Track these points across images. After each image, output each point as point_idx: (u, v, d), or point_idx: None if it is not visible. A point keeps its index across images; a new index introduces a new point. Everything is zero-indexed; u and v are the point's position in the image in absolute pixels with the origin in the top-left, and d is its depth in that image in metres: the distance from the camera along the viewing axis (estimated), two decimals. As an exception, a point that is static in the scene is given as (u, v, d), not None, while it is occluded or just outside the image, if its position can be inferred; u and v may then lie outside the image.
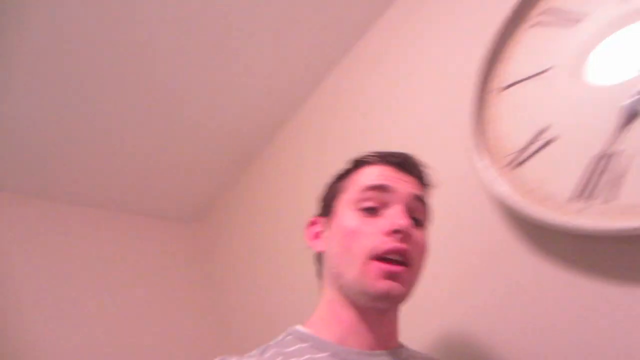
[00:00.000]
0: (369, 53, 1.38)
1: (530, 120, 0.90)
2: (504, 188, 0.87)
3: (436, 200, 0.82)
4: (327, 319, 0.66)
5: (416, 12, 1.25)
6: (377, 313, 0.64)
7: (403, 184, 0.68)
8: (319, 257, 0.72)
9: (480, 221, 0.95)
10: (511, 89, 0.95)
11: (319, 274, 0.72)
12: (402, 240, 0.61)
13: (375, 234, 0.62)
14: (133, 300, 1.59)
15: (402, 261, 0.62)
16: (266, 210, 1.67)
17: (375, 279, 0.60)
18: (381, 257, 0.61)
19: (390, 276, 0.60)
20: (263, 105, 1.53)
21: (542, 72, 0.90)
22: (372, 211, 0.65)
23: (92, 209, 1.69)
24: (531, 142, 0.88)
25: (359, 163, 0.73)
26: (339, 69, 1.47)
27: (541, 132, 0.87)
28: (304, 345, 0.63)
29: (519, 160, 0.89)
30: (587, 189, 0.78)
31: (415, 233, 0.65)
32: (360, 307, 0.64)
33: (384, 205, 0.65)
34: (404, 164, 0.71)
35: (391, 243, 0.61)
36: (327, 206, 0.73)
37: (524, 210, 0.82)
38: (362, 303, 0.63)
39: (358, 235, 0.63)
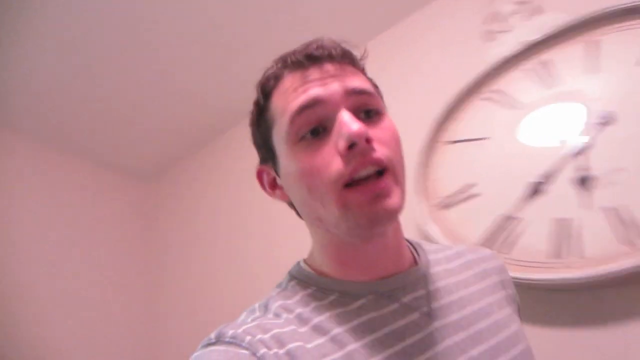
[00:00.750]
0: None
1: (463, 174, 1.11)
2: (430, 226, 1.07)
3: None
4: (327, 258, 0.57)
5: (387, 66, 1.42)
6: (380, 238, 0.54)
7: (330, 83, 0.53)
8: (291, 205, 0.60)
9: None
10: (456, 144, 1.16)
11: (299, 215, 0.61)
12: (364, 150, 0.49)
13: (332, 159, 0.50)
14: (83, 241, 1.72)
15: (379, 170, 0.50)
16: (222, 185, 1.82)
17: (362, 208, 0.50)
18: (354, 181, 0.50)
19: (378, 194, 0.49)
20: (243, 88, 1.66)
21: (481, 139, 1.11)
22: (315, 134, 0.52)
23: (67, 155, 1.81)
24: (459, 192, 1.09)
25: (267, 86, 0.57)
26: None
27: (469, 186, 1.09)
28: (307, 291, 0.55)
29: (446, 204, 1.10)
30: (490, 240, 1.00)
31: (377, 130, 0.53)
32: (358, 239, 0.53)
33: (325, 119, 0.52)
34: (318, 56, 0.55)
35: (354, 160, 0.49)
36: (265, 150, 0.59)
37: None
38: (359, 237, 0.53)
39: (314, 170, 0.51)
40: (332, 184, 0.50)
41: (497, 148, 1.09)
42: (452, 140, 1.17)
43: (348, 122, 0.50)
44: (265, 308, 0.54)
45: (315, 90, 0.52)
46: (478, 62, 1.17)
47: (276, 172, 0.59)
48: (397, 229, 0.58)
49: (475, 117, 1.16)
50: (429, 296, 0.55)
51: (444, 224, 1.08)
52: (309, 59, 0.55)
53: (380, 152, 0.51)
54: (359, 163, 0.50)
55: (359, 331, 0.50)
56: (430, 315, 0.54)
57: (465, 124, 1.17)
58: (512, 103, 1.11)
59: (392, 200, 0.50)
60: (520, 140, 1.06)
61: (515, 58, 1.13)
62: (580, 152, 0.96)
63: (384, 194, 0.50)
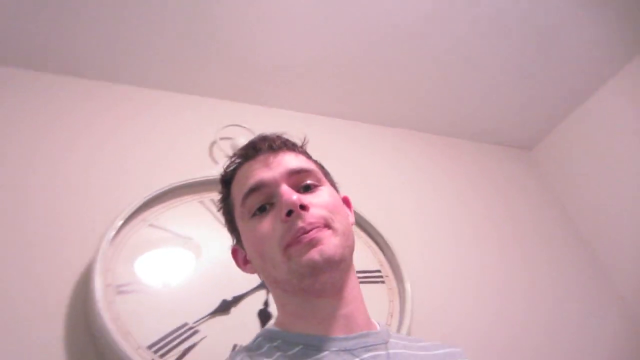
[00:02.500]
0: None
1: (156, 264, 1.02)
2: (105, 312, 0.90)
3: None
4: (289, 315, 0.63)
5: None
6: (331, 291, 0.60)
7: (272, 168, 0.64)
8: (259, 276, 0.68)
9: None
10: (157, 229, 1.07)
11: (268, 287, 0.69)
12: (300, 216, 0.58)
13: (276, 226, 0.59)
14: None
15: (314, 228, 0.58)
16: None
17: (300, 257, 0.57)
18: (294, 242, 0.58)
19: (312, 243, 0.57)
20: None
21: (186, 237, 1.08)
22: (263, 210, 0.62)
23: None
24: (139, 283, 0.99)
25: (228, 177, 0.70)
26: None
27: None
28: (274, 344, 0.59)
29: (124, 290, 0.96)
30: (164, 347, 0.92)
31: (312, 197, 0.62)
32: (310, 293, 0.59)
33: (270, 197, 0.62)
34: (260, 148, 0.67)
35: (294, 226, 0.57)
36: (233, 232, 0.71)
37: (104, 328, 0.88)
38: (309, 287, 0.58)
39: (262, 238, 0.60)
40: (277, 246, 0.58)
41: (198, 250, 1.08)
42: (155, 225, 1.08)
43: (285, 194, 0.59)
44: (232, 359, 0.58)
45: (260, 175, 0.63)
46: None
47: (244, 249, 0.68)
48: (354, 290, 0.63)
49: (184, 215, 1.13)
50: (389, 357, 0.58)
51: (115, 309, 0.93)
52: (255, 150, 0.67)
53: (316, 215, 0.59)
54: (296, 232, 0.57)
55: None
56: None
57: (173, 215, 1.11)
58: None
59: (326, 247, 0.57)
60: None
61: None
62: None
63: (318, 242, 0.57)
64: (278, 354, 0.57)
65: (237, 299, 1.05)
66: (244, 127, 1.35)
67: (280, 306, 0.65)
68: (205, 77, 1.44)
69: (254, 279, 1.09)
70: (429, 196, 1.63)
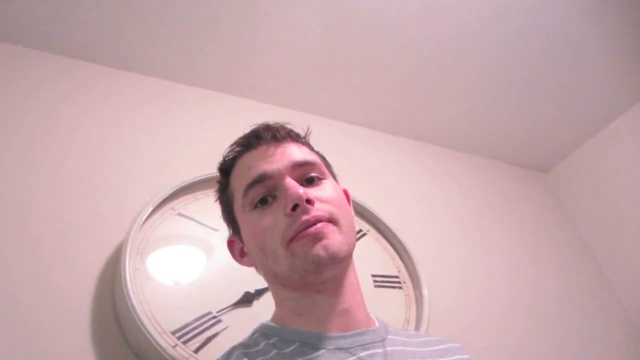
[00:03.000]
0: None
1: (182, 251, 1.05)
2: (133, 294, 0.91)
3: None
4: (287, 311, 0.62)
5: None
6: (332, 287, 0.59)
7: (276, 159, 0.62)
8: (257, 269, 0.68)
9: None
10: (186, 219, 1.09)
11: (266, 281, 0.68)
12: (306, 210, 0.56)
13: (280, 220, 0.58)
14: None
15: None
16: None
17: (305, 253, 0.55)
18: (297, 237, 0.56)
19: (317, 237, 0.55)
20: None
21: (212, 228, 1.10)
22: (265, 202, 0.60)
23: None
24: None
25: (227, 166, 0.68)
26: None
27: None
28: (270, 341, 0.58)
29: (149, 276, 0.98)
30: (187, 333, 0.93)
31: (317, 190, 0.61)
32: (311, 289, 0.59)
33: (274, 189, 0.60)
34: (263, 137, 0.64)
35: (298, 220, 0.56)
36: (231, 223, 0.68)
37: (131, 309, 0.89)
38: (310, 283, 0.58)
39: (265, 231, 0.59)
40: (280, 240, 0.57)
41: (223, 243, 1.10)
42: (184, 214, 1.10)
43: (290, 188, 0.58)
44: (227, 356, 0.58)
45: (263, 167, 0.61)
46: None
47: (242, 241, 0.66)
48: (354, 286, 0.62)
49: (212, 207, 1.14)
50: (386, 355, 0.57)
51: (142, 293, 0.94)
52: (258, 139, 0.64)
53: (322, 209, 0.58)
54: (301, 224, 0.56)
55: None
56: None
57: (200, 206, 1.13)
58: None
59: (332, 242, 0.56)
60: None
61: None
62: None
63: (322, 236, 0.56)
64: (274, 351, 0.56)
65: (259, 292, 1.05)
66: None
67: (278, 301, 0.64)
68: (238, 78, 1.47)
69: (277, 275, 1.10)
70: (445, 208, 1.65)
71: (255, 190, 0.61)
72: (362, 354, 0.56)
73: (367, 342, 0.58)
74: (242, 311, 1.02)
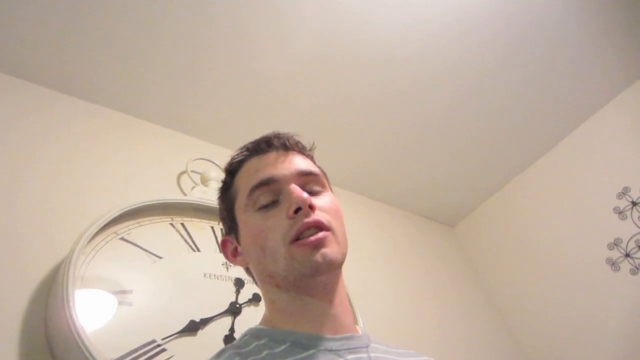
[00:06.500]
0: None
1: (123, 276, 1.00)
2: (76, 318, 0.85)
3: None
4: (277, 312, 0.63)
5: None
6: (323, 291, 0.62)
7: (284, 166, 0.65)
8: (248, 270, 0.70)
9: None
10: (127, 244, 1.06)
11: (256, 283, 0.69)
12: (307, 214, 0.60)
13: (282, 222, 0.60)
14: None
15: (320, 230, 0.60)
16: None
17: (304, 257, 0.58)
18: (299, 238, 0.59)
19: (317, 245, 0.59)
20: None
21: (155, 255, 1.06)
22: (269, 206, 0.63)
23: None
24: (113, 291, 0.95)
25: (233, 168, 0.70)
26: None
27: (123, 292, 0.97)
28: (261, 342, 0.60)
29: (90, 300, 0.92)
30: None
31: (319, 201, 0.64)
32: (304, 292, 0.61)
33: (278, 193, 0.63)
34: (273, 145, 0.68)
35: (299, 222, 0.59)
36: (229, 222, 0.70)
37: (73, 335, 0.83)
38: (305, 285, 0.60)
39: (266, 231, 0.61)
40: (281, 241, 0.60)
41: (168, 270, 1.07)
42: (127, 239, 1.05)
43: (295, 192, 0.61)
44: (218, 356, 0.58)
45: (271, 171, 0.65)
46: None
47: (237, 240, 0.68)
48: (342, 293, 0.66)
49: (157, 234, 1.12)
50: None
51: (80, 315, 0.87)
52: (268, 145, 0.68)
53: (321, 216, 0.61)
54: (304, 224, 0.59)
55: None
56: None
57: (144, 232, 1.10)
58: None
59: (330, 250, 0.59)
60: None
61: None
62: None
63: (322, 245, 0.59)
64: (266, 352, 0.57)
65: (204, 321, 1.03)
66: (215, 163, 1.39)
67: (269, 302, 0.65)
68: (181, 113, 1.48)
69: (221, 305, 1.09)
70: (363, 252, 1.74)
71: (261, 191, 0.63)
72: (350, 357, 0.58)
73: (353, 347, 0.60)
74: (187, 340, 0.99)
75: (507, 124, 1.87)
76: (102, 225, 1.01)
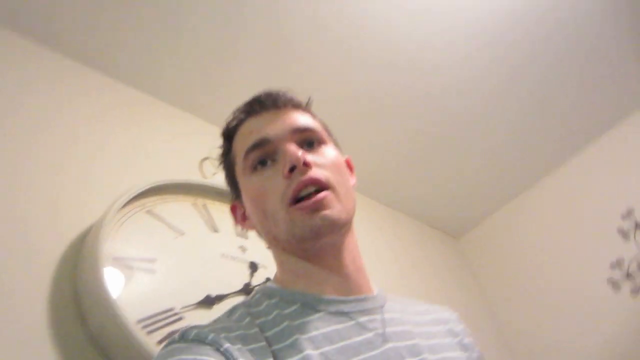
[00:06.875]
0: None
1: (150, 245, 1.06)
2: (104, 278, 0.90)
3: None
4: (287, 273, 0.63)
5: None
6: (331, 252, 0.61)
7: (277, 125, 0.63)
8: (258, 233, 0.68)
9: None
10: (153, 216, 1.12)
11: (266, 245, 0.68)
12: (303, 171, 0.58)
13: (279, 183, 0.59)
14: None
15: (319, 189, 0.58)
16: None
17: (304, 220, 0.57)
18: (297, 199, 0.58)
19: (316, 207, 0.57)
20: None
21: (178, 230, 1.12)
22: (264, 163, 0.62)
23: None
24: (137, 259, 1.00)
25: (229, 132, 0.69)
26: None
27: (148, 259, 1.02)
28: (272, 301, 0.59)
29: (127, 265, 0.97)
30: (151, 325, 0.93)
31: (316, 156, 0.62)
32: (311, 253, 0.60)
33: (273, 153, 0.62)
34: (265, 103, 0.66)
35: (295, 181, 0.58)
36: (233, 187, 0.69)
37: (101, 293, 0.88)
38: (309, 248, 0.59)
39: (264, 193, 0.61)
40: (279, 203, 0.59)
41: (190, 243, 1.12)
42: (152, 212, 1.11)
43: (289, 151, 0.60)
44: (230, 313, 0.59)
45: (264, 131, 0.63)
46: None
47: (243, 205, 0.67)
48: (354, 252, 0.64)
49: (179, 211, 1.17)
50: (384, 321, 0.59)
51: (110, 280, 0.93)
52: (261, 105, 0.66)
53: (319, 173, 0.59)
54: (300, 183, 0.58)
55: (317, 340, 0.53)
56: (384, 337, 0.57)
57: (168, 208, 1.15)
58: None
59: (331, 211, 0.57)
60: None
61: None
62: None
63: (321, 206, 0.57)
64: (276, 312, 0.56)
65: (219, 298, 1.07)
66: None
67: (279, 263, 0.65)
68: (209, 102, 1.54)
69: (235, 285, 1.14)
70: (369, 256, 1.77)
71: (256, 153, 0.62)
72: (362, 319, 0.57)
73: (366, 308, 0.59)
74: (203, 313, 1.03)
75: (517, 140, 1.92)
76: (132, 196, 1.06)
